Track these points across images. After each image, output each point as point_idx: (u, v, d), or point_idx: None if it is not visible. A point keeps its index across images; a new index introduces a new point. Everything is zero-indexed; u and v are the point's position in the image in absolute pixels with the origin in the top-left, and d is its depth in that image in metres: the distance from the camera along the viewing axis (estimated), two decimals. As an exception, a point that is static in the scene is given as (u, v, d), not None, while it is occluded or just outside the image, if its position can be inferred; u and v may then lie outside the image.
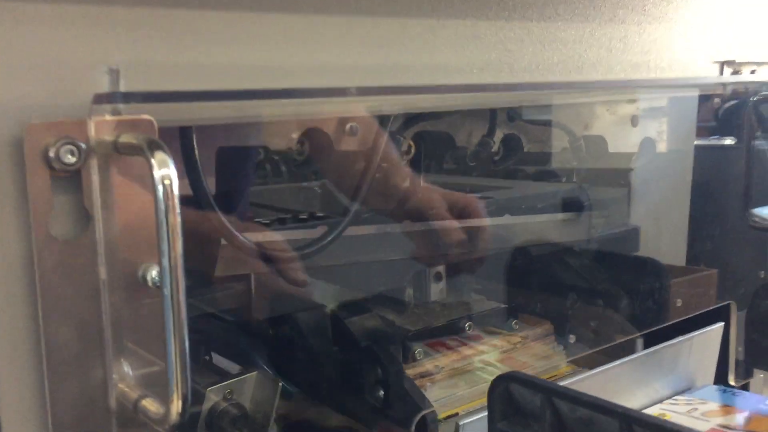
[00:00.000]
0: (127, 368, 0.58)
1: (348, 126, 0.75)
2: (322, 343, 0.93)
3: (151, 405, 0.56)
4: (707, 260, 1.24)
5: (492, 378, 1.00)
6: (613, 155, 1.12)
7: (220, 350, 1.02)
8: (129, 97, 0.51)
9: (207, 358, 1.08)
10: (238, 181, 0.86)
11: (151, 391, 0.58)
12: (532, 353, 1.07)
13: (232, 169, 0.84)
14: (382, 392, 0.83)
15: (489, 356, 1.02)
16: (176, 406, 0.54)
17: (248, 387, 0.92)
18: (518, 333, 1.07)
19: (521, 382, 0.69)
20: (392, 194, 0.94)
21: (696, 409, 0.99)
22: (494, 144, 1.10)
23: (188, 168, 0.69)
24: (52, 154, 0.52)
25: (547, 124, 1.09)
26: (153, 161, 0.52)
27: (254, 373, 0.92)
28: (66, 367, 0.55)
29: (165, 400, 0.55)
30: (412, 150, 0.99)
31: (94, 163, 0.54)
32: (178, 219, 0.52)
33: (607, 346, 1.08)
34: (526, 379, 0.69)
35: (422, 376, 0.92)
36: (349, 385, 0.88)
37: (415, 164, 1.01)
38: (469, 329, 1.01)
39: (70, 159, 0.53)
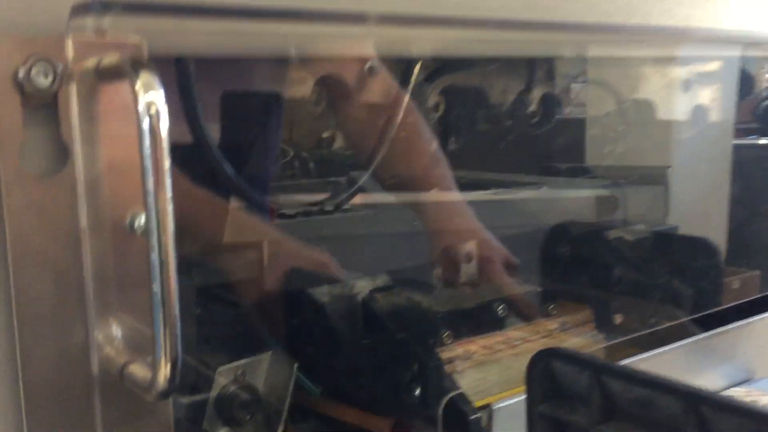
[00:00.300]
0: (114, 330, 0.51)
1: (367, 65, 0.66)
2: (350, 335, 0.85)
3: (138, 371, 0.49)
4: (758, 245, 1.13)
5: (524, 367, 0.92)
6: (663, 123, 1.02)
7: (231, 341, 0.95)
8: (111, 7, 0.43)
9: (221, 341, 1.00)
10: (247, 135, 0.78)
11: (141, 356, 0.50)
12: (569, 342, 0.97)
13: (240, 120, 0.77)
14: (419, 390, 0.74)
15: (523, 344, 0.92)
16: (164, 371, 0.46)
17: (261, 368, 0.84)
18: (555, 319, 0.97)
19: (565, 358, 0.60)
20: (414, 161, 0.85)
21: (756, 402, 0.89)
22: (532, 102, 1.00)
23: (188, 113, 0.61)
24: (22, 75, 0.45)
25: (591, 83, 1.00)
26: (137, 84, 0.44)
27: (268, 353, 0.84)
28: (40, 325, 0.48)
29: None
30: (441, 106, 0.90)
31: (72, 90, 0.47)
32: (166, 153, 0.45)
33: (648, 331, 0.98)
34: (570, 355, 0.60)
35: (450, 361, 0.83)
36: (381, 382, 0.79)
37: (445, 122, 0.92)
38: (501, 313, 0.92)
39: (44, 81, 0.46)
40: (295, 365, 0.82)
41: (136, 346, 0.51)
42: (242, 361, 0.81)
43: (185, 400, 0.79)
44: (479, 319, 0.92)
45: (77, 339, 0.49)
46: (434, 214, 0.91)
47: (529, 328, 0.94)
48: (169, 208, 0.46)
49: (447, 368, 0.81)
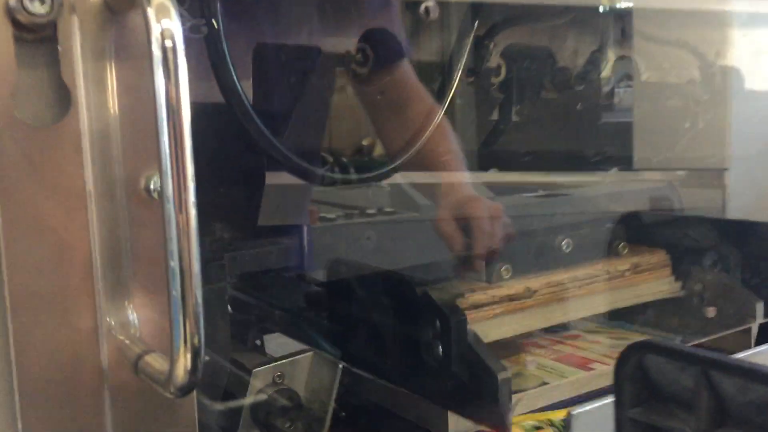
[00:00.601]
0: (130, 314, 0.43)
1: (423, 7, 0.58)
2: (373, 301, 0.76)
3: (155, 362, 0.41)
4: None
5: (590, 311, 0.82)
6: (750, 94, 0.90)
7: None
8: None
9: (258, 343, 0.93)
10: (285, 97, 0.70)
11: (160, 346, 0.42)
12: (642, 287, 0.87)
13: (277, 79, 0.69)
14: (440, 348, 0.66)
15: (590, 284, 0.83)
16: (184, 361, 0.38)
17: (302, 370, 0.76)
18: (626, 259, 0.86)
19: (663, 351, 0.50)
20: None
21: None
22: (606, 64, 0.90)
23: (215, 62, 0.53)
24: (13, 1, 0.37)
25: (672, 44, 0.89)
26: (149, 10, 0.36)
27: (309, 353, 0.76)
28: (38, 308, 0.41)
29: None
30: (502, 70, 0.81)
31: (74, 21, 0.40)
32: (185, 94, 0.37)
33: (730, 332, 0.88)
34: (670, 347, 0.50)
35: (511, 299, 0.75)
36: (404, 346, 0.71)
37: (506, 88, 0.83)
38: (566, 248, 0.82)
39: (40, 9, 0.38)
40: (340, 366, 0.74)
41: (154, 334, 0.43)
42: (280, 362, 0.73)
43: (218, 406, 0.72)
44: (541, 254, 0.83)
45: (84, 325, 0.41)
46: (449, 190, 0.83)
47: (598, 267, 0.84)
48: (189, 164, 0.38)
49: (505, 307, 0.74)
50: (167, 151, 0.38)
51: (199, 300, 0.40)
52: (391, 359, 0.72)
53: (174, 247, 0.39)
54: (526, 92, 0.86)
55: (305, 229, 0.68)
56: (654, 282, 0.87)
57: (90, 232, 0.41)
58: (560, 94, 0.90)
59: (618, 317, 0.89)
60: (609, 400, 0.58)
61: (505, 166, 0.90)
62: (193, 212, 0.39)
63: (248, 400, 0.70)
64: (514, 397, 0.66)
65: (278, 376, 0.72)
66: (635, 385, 0.53)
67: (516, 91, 0.85)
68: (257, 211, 0.66)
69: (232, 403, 0.71)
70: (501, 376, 0.61)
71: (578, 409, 0.61)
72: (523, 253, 0.81)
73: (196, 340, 0.39)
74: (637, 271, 0.86)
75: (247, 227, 0.68)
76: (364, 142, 1.05)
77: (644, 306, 0.88)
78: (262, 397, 0.71)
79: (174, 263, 0.39)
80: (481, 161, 0.93)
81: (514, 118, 0.88)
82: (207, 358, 0.58)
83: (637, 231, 0.90)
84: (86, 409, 0.41)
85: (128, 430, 0.42)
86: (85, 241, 0.41)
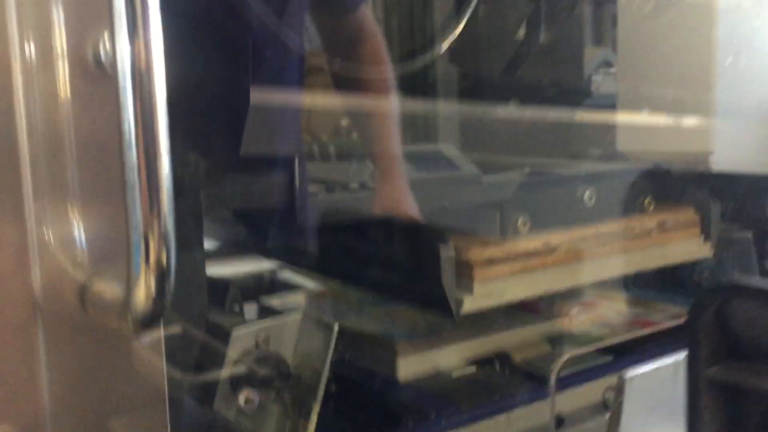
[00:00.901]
0: (74, 226, 0.33)
1: None
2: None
3: (109, 290, 0.31)
4: None
5: (615, 271, 0.79)
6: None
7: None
8: None
9: (236, 309, 0.84)
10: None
11: (116, 269, 0.32)
12: (672, 246, 0.82)
13: None
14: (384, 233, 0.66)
15: (615, 241, 0.79)
16: (145, 285, 0.28)
17: (290, 333, 0.69)
18: (653, 216, 0.81)
19: (753, 296, 0.41)
20: None
21: None
22: None
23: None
24: None
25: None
26: None
27: (298, 313, 0.67)
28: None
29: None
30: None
31: None
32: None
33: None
34: (762, 290, 0.41)
35: (529, 255, 0.69)
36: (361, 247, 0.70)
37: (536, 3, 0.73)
38: (589, 200, 0.77)
39: None
40: (335, 328, 0.66)
41: (107, 253, 0.33)
42: (265, 322, 0.64)
43: (190, 374, 0.64)
44: (561, 207, 0.78)
45: (7, 238, 0.31)
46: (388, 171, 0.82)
47: (623, 224, 0.80)
48: (154, 18, 0.28)
49: (522, 265, 0.70)
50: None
51: (168, 206, 0.30)
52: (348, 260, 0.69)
53: (131, 133, 0.29)
54: (558, 4, 0.76)
55: (297, 161, 0.59)
56: (683, 242, 0.82)
57: (16, 113, 0.31)
58: (597, 9, 0.79)
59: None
60: (670, 360, 0.49)
61: (526, 99, 0.81)
62: (159, 87, 0.29)
63: (227, 367, 0.62)
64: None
65: (263, 339, 0.64)
66: (713, 338, 0.44)
67: (546, 2, 0.75)
68: (240, 139, 0.57)
69: (208, 373, 0.63)
70: (444, 252, 0.58)
71: (632, 372, 0.52)
72: (543, 205, 0.76)
73: (163, 258, 0.29)
74: (665, 230, 0.81)
75: (229, 157, 0.58)
76: (343, 123, 1.03)
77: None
78: (244, 363, 0.63)
79: (131, 154, 0.29)
80: (500, 91, 0.84)
81: (542, 38, 0.77)
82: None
83: (664, 187, 0.85)
84: (11, 350, 0.31)
85: (71, 378, 0.32)
86: (9, 124, 0.31)
